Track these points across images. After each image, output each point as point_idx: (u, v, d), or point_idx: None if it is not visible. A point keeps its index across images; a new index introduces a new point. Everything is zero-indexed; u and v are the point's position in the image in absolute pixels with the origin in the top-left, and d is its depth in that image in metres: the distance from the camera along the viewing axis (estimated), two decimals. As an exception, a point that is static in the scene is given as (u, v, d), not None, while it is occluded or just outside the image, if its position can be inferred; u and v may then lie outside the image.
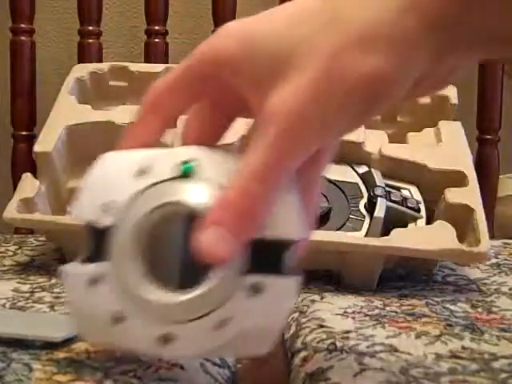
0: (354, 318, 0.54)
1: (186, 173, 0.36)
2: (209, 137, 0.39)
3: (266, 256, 0.35)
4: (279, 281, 0.35)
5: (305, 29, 0.34)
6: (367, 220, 0.66)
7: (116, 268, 0.36)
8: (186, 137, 0.39)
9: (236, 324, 0.35)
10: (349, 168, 0.70)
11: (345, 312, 0.55)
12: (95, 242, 0.37)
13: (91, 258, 0.37)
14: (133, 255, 0.35)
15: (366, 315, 0.54)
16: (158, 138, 0.38)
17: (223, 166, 0.36)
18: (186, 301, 0.35)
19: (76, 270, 0.37)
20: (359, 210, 0.67)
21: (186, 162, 0.36)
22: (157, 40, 0.99)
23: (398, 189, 0.69)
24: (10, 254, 0.72)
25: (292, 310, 0.37)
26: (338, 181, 0.69)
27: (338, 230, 0.65)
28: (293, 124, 0.33)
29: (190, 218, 0.35)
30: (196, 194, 0.35)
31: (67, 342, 0.44)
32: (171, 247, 0.36)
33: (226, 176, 0.35)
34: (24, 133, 0.97)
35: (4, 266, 0.68)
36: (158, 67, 0.82)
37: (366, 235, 0.65)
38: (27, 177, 0.70)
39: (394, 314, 0.55)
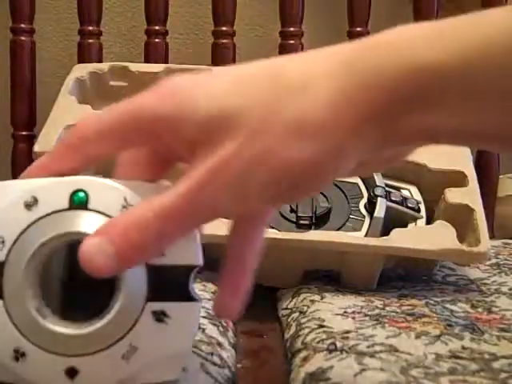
0: (354, 318, 0.53)
1: (77, 202, 0.35)
2: (146, 178, 0.38)
3: (168, 283, 0.35)
4: (182, 306, 0.35)
5: (243, 99, 0.33)
6: (367, 220, 0.66)
7: (11, 304, 0.34)
8: (120, 175, 0.38)
9: (142, 352, 0.35)
10: (349, 168, 0.70)
11: (345, 312, 0.55)
12: None
13: None
14: (28, 290, 0.34)
15: (366, 315, 0.54)
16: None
17: (119, 195, 0.35)
18: (89, 333, 0.34)
19: None
20: (359, 210, 0.67)
21: (77, 192, 0.35)
22: (157, 40, 0.99)
23: (398, 189, 0.69)
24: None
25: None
26: (338, 181, 0.69)
27: (338, 230, 0.65)
28: (207, 186, 0.33)
29: None
30: (87, 225, 0.34)
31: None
32: (70, 279, 0.35)
33: (120, 206, 0.35)
34: (24, 133, 0.97)
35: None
36: (157, 67, 0.82)
37: (365, 235, 0.65)
38: (27, 177, 0.70)
39: (394, 314, 0.55)
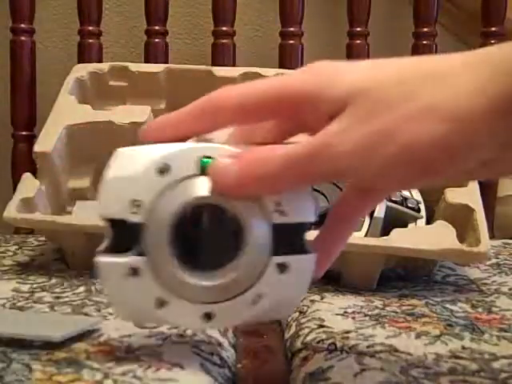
0: (354, 318, 0.54)
1: (206, 169, 0.39)
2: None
3: (288, 238, 0.39)
4: (300, 258, 0.40)
5: (378, 78, 0.36)
6: (367, 220, 0.66)
7: (152, 258, 0.39)
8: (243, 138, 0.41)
9: (268, 299, 0.40)
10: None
11: (345, 312, 0.55)
12: (125, 236, 0.39)
13: (123, 251, 0.39)
14: (167, 246, 0.39)
15: (366, 315, 0.54)
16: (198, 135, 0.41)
17: None
18: (223, 283, 0.39)
19: (113, 262, 0.39)
20: (359, 210, 0.67)
21: (204, 158, 0.39)
22: (157, 40, 0.99)
23: (398, 189, 0.69)
24: (10, 254, 0.72)
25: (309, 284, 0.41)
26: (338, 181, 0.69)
27: (337, 230, 0.65)
28: (332, 146, 0.36)
29: (213, 210, 0.39)
30: None
31: (67, 341, 0.44)
32: (200, 236, 0.40)
33: None
34: (24, 133, 0.97)
35: (4, 265, 0.68)
36: (157, 67, 0.82)
37: (365, 235, 0.65)
38: (27, 177, 0.70)
39: (393, 314, 0.55)
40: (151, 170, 0.38)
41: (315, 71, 0.38)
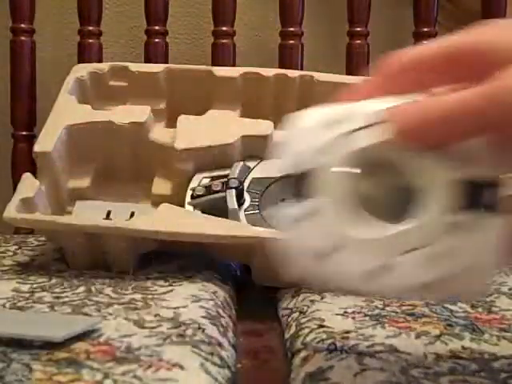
0: (354, 318, 0.53)
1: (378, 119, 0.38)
2: None
3: (468, 195, 0.36)
4: (484, 219, 0.36)
5: None
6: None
7: (322, 206, 0.38)
8: None
9: (444, 260, 0.36)
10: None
11: (345, 312, 0.55)
12: (298, 187, 0.39)
13: (296, 201, 0.39)
14: (338, 194, 0.38)
15: (366, 315, 0.54)
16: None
17: None
18: (399, 234, 0.37)
19: (285, 212, 0.39)
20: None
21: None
22: (157, 40, 0.99)
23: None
24: (10, 254, 0.72)
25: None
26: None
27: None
28: (507, 91, 0.35)
29: (388, 164, 0.38)
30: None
31: (67, 342, 0.44)
32: (372, 185, 0.39)
33: None
34: (24, 133, 0.97)
35: (4, 266, 0.68)
36: (157, 67, 0.82)
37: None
38: (27, 177, 0.70)
39: (393, 314, 0.55)
40: (320, 125, 0.39)
41: (490, 26, 0.38)
